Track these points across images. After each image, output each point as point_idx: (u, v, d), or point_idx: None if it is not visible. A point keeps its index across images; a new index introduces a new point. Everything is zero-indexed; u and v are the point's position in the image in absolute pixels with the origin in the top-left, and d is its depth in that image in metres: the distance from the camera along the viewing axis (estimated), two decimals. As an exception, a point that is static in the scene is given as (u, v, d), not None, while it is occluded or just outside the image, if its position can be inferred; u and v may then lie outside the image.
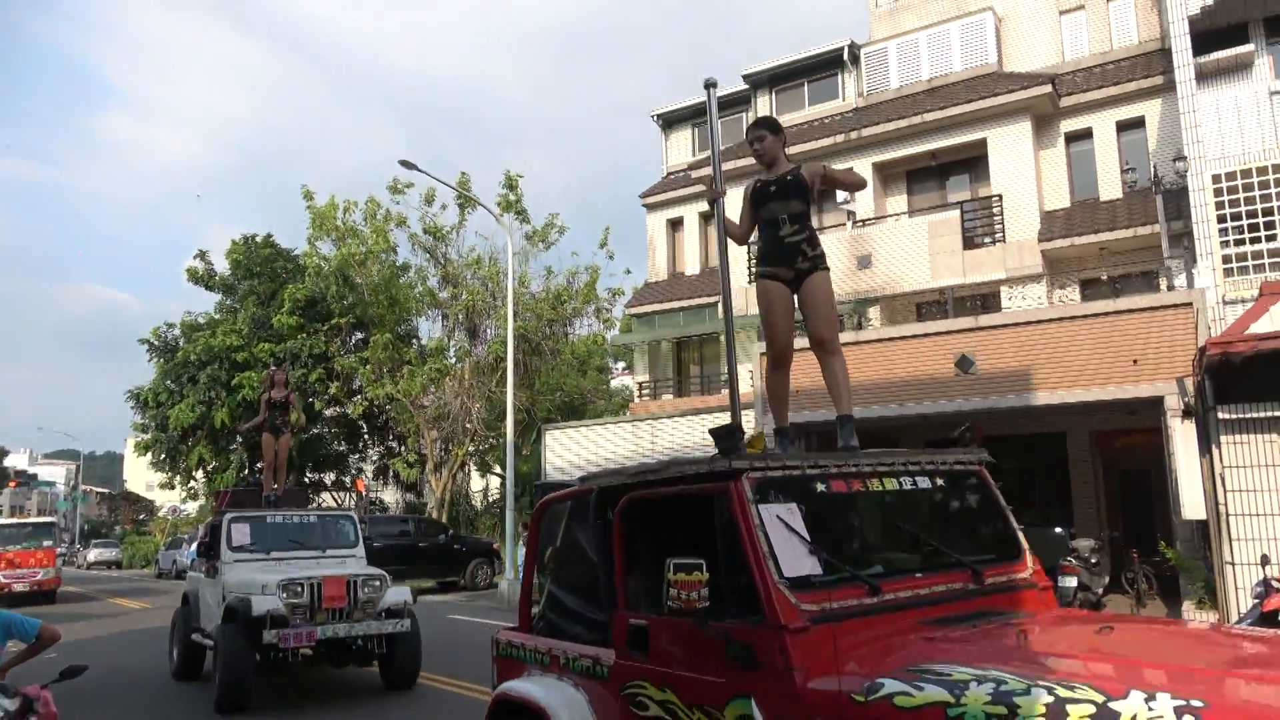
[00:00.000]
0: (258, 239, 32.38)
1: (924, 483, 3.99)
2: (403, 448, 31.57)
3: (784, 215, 4.68)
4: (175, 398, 31.06)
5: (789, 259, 4.67)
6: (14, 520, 28.44)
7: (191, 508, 50.78)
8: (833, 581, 3.37)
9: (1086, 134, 18.46)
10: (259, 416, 11.66)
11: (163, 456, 33.14)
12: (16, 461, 74.87)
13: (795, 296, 4.75)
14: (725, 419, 18.88)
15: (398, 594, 9.60)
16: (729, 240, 5.02)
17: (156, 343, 32.80)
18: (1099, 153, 18.27)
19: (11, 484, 54.92)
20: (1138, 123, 17.88)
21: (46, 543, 23.98)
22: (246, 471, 33.38)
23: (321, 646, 9.06)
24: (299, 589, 8.98)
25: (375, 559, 12.15)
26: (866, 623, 3.32)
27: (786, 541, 3.37)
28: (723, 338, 4.51)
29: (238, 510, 10.33)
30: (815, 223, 21.23)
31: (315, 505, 10.78)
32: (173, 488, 37.44)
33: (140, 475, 78.93)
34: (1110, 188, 18.08)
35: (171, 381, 31.65)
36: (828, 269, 4.75)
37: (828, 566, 3.40)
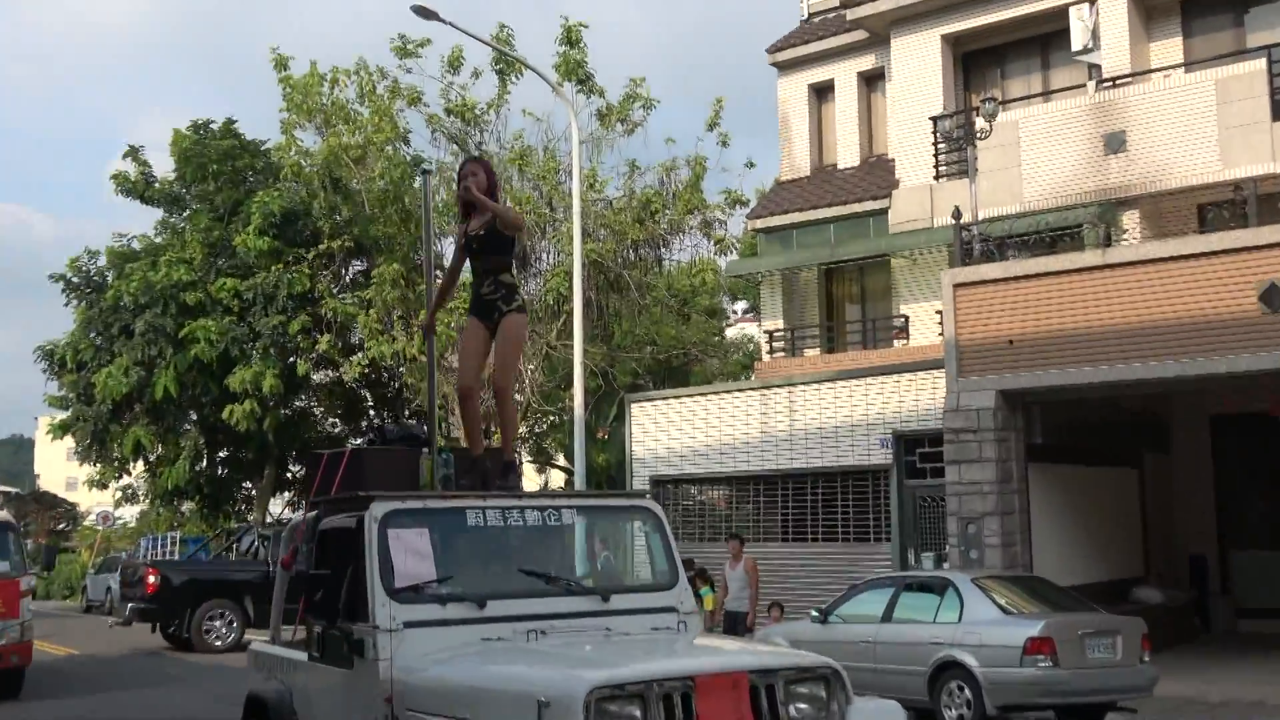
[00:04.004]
0: (214, 127, 33.22)
1: None
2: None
3: None
4: (103, 357, 32.09)
5: None
6: None
7: (128, 513, 52.93)
8: None
9: None
10: (445, 280, 8.87)
11: (87, 442, 34.28)
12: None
13: None
14: (901, 383, 18.76)
15: (875, 712, 6.15)
16: None
17: (75, 279, 33.98)
18: None
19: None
20: None
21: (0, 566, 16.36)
22: (204, 464, 34.47)
23: None
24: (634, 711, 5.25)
25: None
26: None
27: None
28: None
29: (392, 498, 6.60)
30: (1039, 84, 20.69)
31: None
32: (104, 486, 38.82)
33: (58, 468, 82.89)
34: None
35: (97, 334, 32.73)
36: None
37: None
